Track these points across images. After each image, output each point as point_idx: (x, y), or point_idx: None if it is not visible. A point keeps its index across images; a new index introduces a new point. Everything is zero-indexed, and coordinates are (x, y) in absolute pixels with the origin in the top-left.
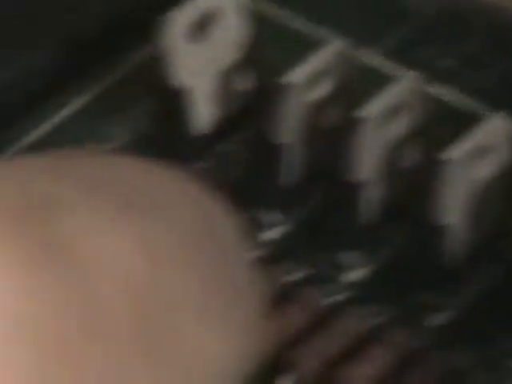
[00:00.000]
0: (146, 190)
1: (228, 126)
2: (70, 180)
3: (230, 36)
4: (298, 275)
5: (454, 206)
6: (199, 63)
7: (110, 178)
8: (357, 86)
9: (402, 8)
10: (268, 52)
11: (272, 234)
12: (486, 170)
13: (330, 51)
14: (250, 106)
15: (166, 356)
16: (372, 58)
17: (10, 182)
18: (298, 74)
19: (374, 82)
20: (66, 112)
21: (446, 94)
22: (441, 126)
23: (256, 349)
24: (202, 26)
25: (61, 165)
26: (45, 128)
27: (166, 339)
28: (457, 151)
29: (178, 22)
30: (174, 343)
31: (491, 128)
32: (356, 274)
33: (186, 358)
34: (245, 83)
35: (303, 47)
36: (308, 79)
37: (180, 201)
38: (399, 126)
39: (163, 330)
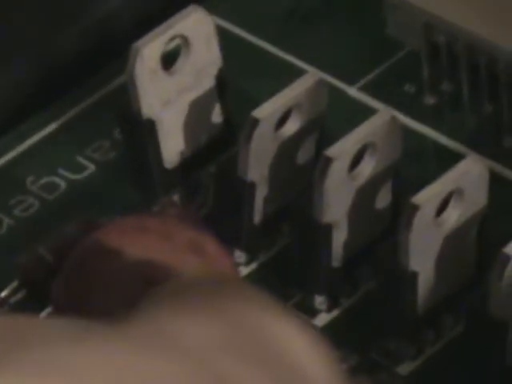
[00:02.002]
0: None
1: (196, 159)
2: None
3: (199, 66)
4: None
5: (423, 252)
6: (168, 94)
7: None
8: (332, 120)
9: (386, 43)
10: (241, 83)
11: None
12: (456, 214)
13: (303, 83)
14: (220, 138)
15: None
16: (350, 93)
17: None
18: (267, 108)
19: (351, 117)
20: (34, 138)
21: (426, 131)
22: (417, 165)
23: None
24: (172, 56)
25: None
26: (13, 154)
27: None
28: (427, 194)
29: (147, 52)
30: None
31: (465, 170)
32: (323, 318)
33: None
34: (215, 115)
35: (279, 77)
36: (278, 113)
37: None
38: (371, 165)
39: None
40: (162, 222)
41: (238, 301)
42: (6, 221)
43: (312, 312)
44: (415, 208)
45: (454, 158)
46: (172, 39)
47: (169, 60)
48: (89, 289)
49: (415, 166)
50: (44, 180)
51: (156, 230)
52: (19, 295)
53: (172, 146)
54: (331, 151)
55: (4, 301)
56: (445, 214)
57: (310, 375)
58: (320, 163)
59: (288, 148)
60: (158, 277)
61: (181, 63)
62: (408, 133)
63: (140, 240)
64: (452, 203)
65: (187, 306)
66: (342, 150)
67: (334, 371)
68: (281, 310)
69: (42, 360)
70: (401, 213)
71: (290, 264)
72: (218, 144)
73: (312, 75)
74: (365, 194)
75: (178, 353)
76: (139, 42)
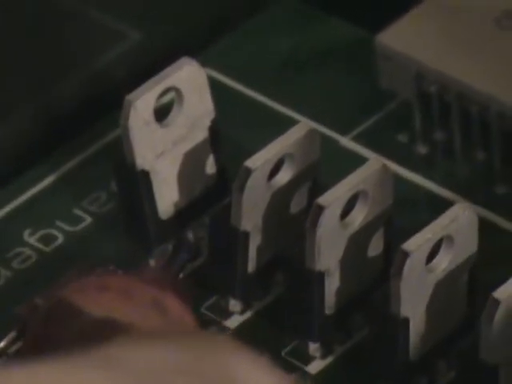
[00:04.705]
0: None
1: (191, 209)
2: None
3: (192, 118)
4: None
5: (414, 298)
6: (162, 145)
7: None
8: (325, 170)
9: (379, 94)
10: (234, 133)
11: (232, 322)
12: (446, 260)
13: (295, 133)
14: (214, 189)
15: None
16: (343, 143)
17: None
18: (260, 158)
19: (344, 167)
20: (31, 191)
21: (418, 180)
22: (410, 213)
23: None
24: (165, 108)
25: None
26: (10, 206)
27: None
28: (416, 241)
29: (140, 104)
30: None
31: (454, 216)
32: (317, 365)
33: None
34: (209, 166)
35: (272, 128)
36: (271, 163)
37: None
38: (363, 213)
39: None
40: (123, 280)
41: (197, 339)
42: (4, 272)
43: (306, 359)
44: (405, 255)
45: (447, 205)
46: (165, 91)
47: (162, 112)
48: (52, 351)
49: (408, 214)
50: (41, 232)
51: (117, 289)
52: (17, 345)
53: (166, 197)
54: (323, 199)
55: (2, 351)
56: (435, 261)
57: None
58: (312, 211)
59: (281, 197)
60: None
61: (174, 115)
62: (401, 181)
63: (102, 299)
64: (442, 249)
65: (142, 338)
66: (334, 198)
67: None
68: (251, 358)
69: None
70: (393, 260)
71: (285, 312)
72: (212, 194)
73: (304, 125)
74: (357, 242)
75: (123, 373)
76: (132, 95)
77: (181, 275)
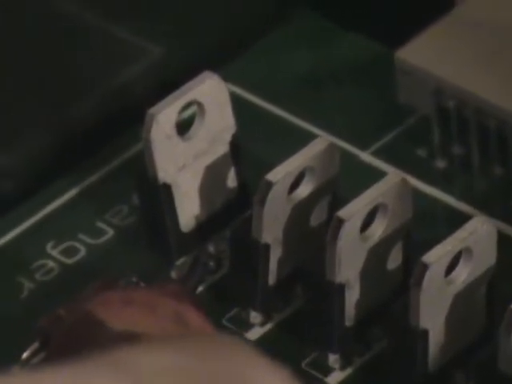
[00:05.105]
0: None
1: (212, 222)
2: None
3: (214, 132)
4: None
5: (433, 310)
6: (183, 159)
7: None
8: (344, 185)
9: (398, 109)
10: (254, 147)
11: (253, 334)
12: (465, 273)
13: (315, 147)
14: (235, 202)
15: None
16: (362, 157)
17: None
18: (281, 171)
19: (363, 181)
20: (54, 204)
21: (437, 194)
22: (428, 227)
23: None
24: (187, 122)
25: None
26: (34, 219)
27: None
28: (436, 253)
29: (162, 118)
30: None
31: (473, 229)
32: (337, 377)
33: None
34: (230, 179)
35: (292, 142)
36: (291, 176)
37: None
38: (383, 226)
39: None
40: (146, 295)
41: (213, 344)
42: (27, 284)
43: (326, 370)
44: (425, 267)
45: (465, 219)
46: (187, 105)
47: (184, 126)
48: None
49: (427, 227)
50: (64, 245)
51: (140, 303)
52: (40, 356)
53: (188, 210)
54: (343, 212)
55: (25, 362)
56: (454, 273)
57: None
58: (332, 224)
59: (301, 210)
60: None
61: (195, 128)
62: (420, 195)
63: (125, 313)
64: (461, 262)
65: (153, 343)
66: (354, 211)
67: None
68: (270, 367)
69: None
70: (412, 273)
71: (305, 324)
72: (233, 207)
73: (324, 139)
74: (376, 255)
75: (130, 376)
76: (154, 108)
77: (198, 290)
